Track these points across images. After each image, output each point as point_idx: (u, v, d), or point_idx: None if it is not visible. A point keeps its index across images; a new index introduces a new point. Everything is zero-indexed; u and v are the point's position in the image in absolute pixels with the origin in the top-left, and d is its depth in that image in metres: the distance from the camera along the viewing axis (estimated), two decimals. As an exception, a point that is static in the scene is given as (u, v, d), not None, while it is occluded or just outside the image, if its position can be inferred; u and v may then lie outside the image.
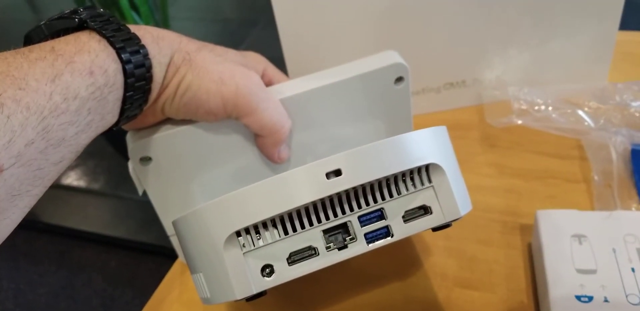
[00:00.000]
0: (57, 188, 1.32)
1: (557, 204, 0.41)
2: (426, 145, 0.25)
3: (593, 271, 0.31)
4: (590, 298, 0.30)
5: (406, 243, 0.39)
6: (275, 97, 0.31)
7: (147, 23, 1.27)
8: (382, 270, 0.38)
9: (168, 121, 0.32)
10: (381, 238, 0.24)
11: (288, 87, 0.33)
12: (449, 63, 0.49)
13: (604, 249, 0.32)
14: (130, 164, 0.33)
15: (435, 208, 0.25)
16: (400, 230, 0.24)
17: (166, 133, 0.31)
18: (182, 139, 0.32)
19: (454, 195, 0.25)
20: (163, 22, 1.27)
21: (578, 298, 0.30)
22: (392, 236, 0.24)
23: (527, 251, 0.38)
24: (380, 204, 0.24)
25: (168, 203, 0.35)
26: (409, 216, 0.25)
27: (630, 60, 0.54)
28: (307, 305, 0.37)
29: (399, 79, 0.34)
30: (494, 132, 0.48)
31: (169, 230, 0.36)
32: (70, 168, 1.35)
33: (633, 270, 0.31)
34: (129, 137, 0.32)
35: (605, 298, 0.30)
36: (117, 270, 1.18)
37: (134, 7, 1.21)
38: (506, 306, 0.34)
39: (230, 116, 0.30)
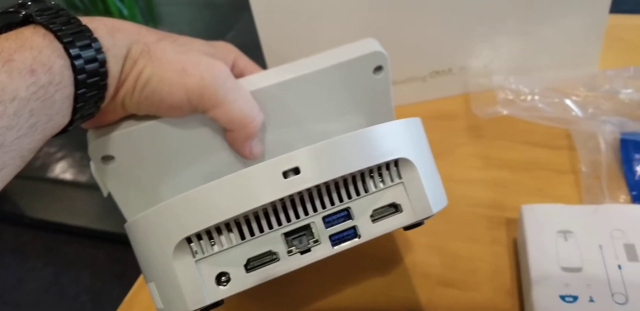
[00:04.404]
0: (42, 181, 1.30)
1: (544, 197, 0.39)
2: (395, 138, 0.23)
3: (578, 269, 0.30)
4: (575, 298, 0.29)
5: (388, 241, 0.38)
6: (245, 88, 0.30)
7: (130, 9, 1.23)
8: (363, 270, 0.36)
9: (132, 117, 0.30)
10: (348, 240, 0.23)
11: (259, 79, 0.31)
12: (435, 50, 0.47)
13: (590, 246, 0.31)
14: (92, 164, 0.31)
15: (405, 205, 0.23)
16: (368, 231, 0.23)
17: (128, 129, 0.30)
18: (146, 136, 0.30)
19: (426, 191, 0.23)
20: (147, 8, 1.23)
21: (562, 298, 0.29)
22: (359, 237, 0.23)
23: (513, 247, 0.36)
24: (346, 203, 0.23)
25: (134, 205, 0.33)
26: (378, 215, 0.23)
27: (621, 46, 0.52)
28: (287, 306, 0.36)
29: (378, 69, 0.32)
30: (481, 122, 0.47)
31: None
32: (56, 160, 1.32)
33: (620, 267, 0.30)
34: (89, 136, 0.30)
35: (591, 297, 0.29)
36: (106, 264, 1.17)
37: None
38: (491, 306, 0.33)
39: (197, 110, 0.28)
